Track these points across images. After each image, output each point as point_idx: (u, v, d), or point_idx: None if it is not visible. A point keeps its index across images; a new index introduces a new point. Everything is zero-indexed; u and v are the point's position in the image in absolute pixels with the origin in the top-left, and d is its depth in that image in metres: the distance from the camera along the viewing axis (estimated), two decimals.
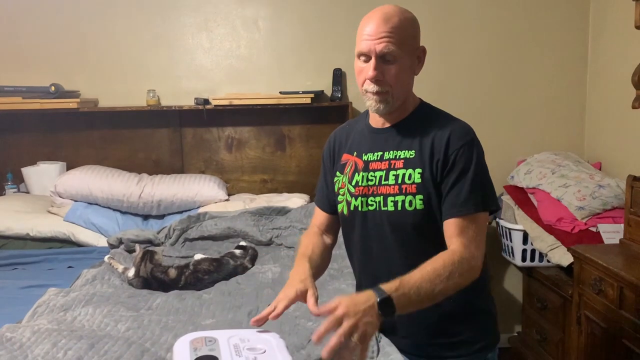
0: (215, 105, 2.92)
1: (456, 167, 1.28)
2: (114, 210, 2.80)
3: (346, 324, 1.05)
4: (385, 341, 1.38)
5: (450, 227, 1.27)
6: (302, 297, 1.21)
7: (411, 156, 1.32)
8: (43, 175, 2.98)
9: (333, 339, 1.04)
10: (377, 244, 1.38)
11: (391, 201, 1.32)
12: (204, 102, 2.93)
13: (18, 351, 1.42)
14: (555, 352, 2.66)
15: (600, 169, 2.91)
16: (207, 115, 2.98)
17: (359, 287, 1.50)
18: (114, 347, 1.42)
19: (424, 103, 1.42)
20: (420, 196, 1.29)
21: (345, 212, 1.42)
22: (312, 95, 2.90)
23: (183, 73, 3.09)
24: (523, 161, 3.03)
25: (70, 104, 2.83)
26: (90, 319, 1.66)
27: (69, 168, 2.99)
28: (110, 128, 3.09)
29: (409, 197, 1.30)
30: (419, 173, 1.30)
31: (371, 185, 1.36)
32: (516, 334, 3.14)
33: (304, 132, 3.15)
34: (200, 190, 2.83)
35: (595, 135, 3.09)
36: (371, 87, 1.30)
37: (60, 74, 3.00)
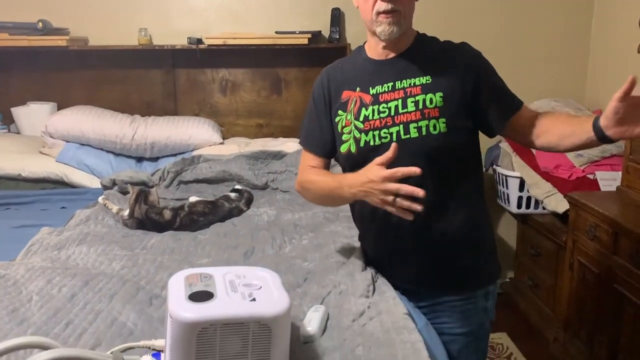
0: (208, 45, 2.83)
1: (484, 77, 1.35)
2: (107, 151, 2.76)
3: None
4: (381, 281, 1.38)
5: (520, 117, 1.35)
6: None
7: (428, 82, 1.32)
8: (33, 115, 2.92)
9: None
10: None
11: (414, 127, 1.31)
12: (197, 42, 2.84)
13: (12, 287, 1.42)
14: (546, 297, 2.71)
15: None
16: (201, 56, 2.89)
17: (367, 233, 1.50)
18: (108, 285, 1.42)
19: (420, 33, 1.44)
20: (444, 119, 1.30)
21: (353, 150, 1.38)
22: (310, 36, 2.81)
23: (175, 12, 2.97)
24: None
25: (59, 41, 2.74)
26: (85, 258, 1.65)
27: (59, 109, 2.92)
28: (101, 68, 3.00)
29: (433, 121, 1.30)
30: (440, 97, 1.30)
31: (384, 117, 1.33)
32: (508, 280, 3.18)
33: (300, 75, 3.07)
34: (195, 133, 2.78)
35: (598, 81, 3.03)
36: (384, 6, 1.28)
37: (48, 10, 2.87)
